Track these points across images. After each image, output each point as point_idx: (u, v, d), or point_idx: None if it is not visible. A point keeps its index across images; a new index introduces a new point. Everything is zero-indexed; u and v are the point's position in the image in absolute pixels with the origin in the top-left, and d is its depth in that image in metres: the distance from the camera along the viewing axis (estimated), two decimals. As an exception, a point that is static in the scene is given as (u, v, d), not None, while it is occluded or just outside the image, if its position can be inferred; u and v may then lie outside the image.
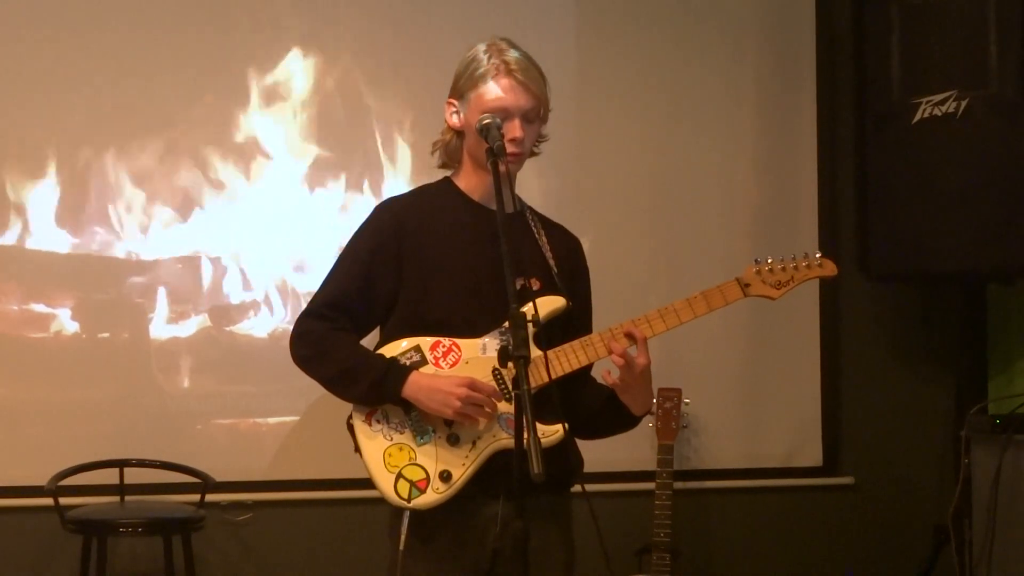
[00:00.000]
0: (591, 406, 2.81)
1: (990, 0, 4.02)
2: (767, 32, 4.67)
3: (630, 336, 2.68)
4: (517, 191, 2.84)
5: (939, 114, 4.07)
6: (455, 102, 2.79)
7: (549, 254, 2.79)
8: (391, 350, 2.69)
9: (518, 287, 2.55)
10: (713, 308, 2.73)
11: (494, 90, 2.71)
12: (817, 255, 2.81)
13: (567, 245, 2.88)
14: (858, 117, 4.49)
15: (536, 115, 2.75)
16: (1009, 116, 4.00)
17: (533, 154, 2.85)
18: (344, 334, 2.72)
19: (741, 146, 4.64)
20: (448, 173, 2.87)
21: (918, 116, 4.11)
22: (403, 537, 2.63)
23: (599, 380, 2.80)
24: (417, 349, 2.68)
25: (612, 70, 4.57)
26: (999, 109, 4.01)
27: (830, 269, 2.81)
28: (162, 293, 4.21)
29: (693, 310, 2.72)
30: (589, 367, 2.75)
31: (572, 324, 2.76)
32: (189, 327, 4.23)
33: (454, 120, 2.79)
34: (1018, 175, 4.00)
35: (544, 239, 2.81)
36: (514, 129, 2.69)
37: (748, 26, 4.66)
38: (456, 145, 2.81)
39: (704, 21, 4.62)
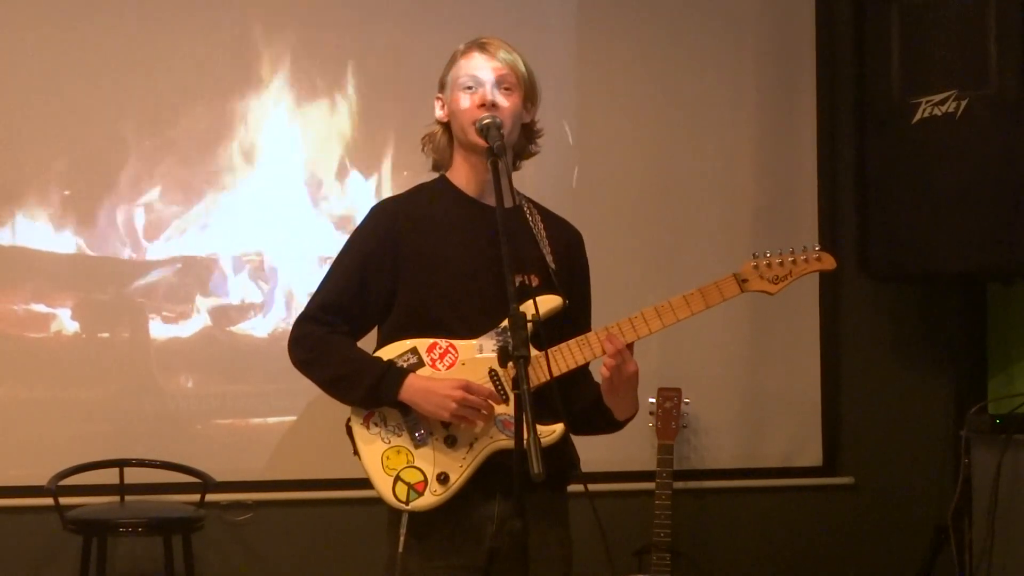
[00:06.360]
0: (583, 404, 2.78)
1: (990, 0, 4.02)
2: (767, 32, 4.67)
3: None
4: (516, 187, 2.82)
5: (939, 114, 4.07)
6: (440, 95, 2.82)
7: (547, 250, 2.76)
8: (388, 352, 2.69)
9: (517, 284, 2.54)
10: (710, 304, 2.68)
11: (465, 64, 2.74)
12: (816, 248, 2.76)
13: (566, 239, 2.85)
14: (858, 117, 4.49)
15: (513, 85, 2.74)
16: (1009, 116, 4.00)
17: (531, 154, 2.85)
18: (341, 337, 2.71)
19: (741, 146, 4.63)
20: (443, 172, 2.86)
21: (918, 116, 4.11)
22: (402, 539, 2.63)
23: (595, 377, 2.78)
24: (414, 351, 2.68)
25: (612, 70, 4.57)
26: (999, 109, 4.01)
27: (829, 262, 2.75)
28: (162, 293, 4.22)
29: (690, 307, 2.67)
30: (586, 364, 2.75)
31: (570, 322, 2.73)
32: (189, 327, 4.23)
33: (439, 113, 2.81)
34: (1018, 175, 4.00)
35: (543, 233, 2.79)
36: (485, 94, 2.70)
37: (748, 26, 4.66)
38: (444, 141, 2.81)
39: (704, 21, 4.61)
